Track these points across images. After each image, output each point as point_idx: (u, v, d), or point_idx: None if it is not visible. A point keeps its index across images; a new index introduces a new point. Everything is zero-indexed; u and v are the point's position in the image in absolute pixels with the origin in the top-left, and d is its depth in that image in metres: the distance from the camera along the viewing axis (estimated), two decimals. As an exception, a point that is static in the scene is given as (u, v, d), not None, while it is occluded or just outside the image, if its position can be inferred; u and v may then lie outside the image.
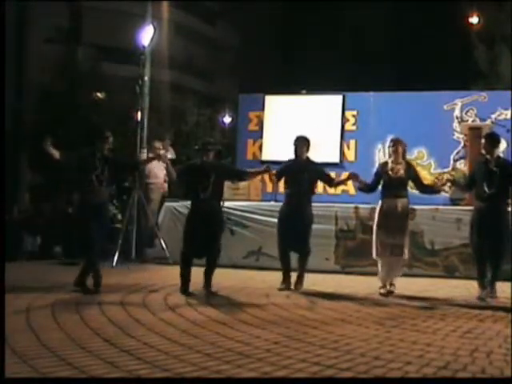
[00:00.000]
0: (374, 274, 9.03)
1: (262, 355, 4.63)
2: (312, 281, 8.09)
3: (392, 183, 7.67)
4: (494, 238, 7.31)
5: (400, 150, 7.77)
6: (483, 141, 7.64)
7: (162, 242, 10.48)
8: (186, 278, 7.58)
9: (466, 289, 7.89)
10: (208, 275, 7.60)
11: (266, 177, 9.51)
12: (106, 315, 6.09)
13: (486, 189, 7.35)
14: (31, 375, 4.11)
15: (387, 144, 8.16)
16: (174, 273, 9.37)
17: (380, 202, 7.79)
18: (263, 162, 10.87)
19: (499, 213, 7.38)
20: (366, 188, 8.03)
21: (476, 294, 7.40)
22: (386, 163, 7.90)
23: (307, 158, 8.07)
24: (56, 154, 7.54)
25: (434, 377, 4.15)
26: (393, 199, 7.66)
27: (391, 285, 7.69)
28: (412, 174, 7.81)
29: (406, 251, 7.73)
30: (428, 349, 4.89)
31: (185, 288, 7.52)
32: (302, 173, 7.91)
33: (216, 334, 5.32)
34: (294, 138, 8.12)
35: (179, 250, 10.22)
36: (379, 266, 7.78)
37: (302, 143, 8.03)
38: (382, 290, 7.65)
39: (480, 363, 4.51)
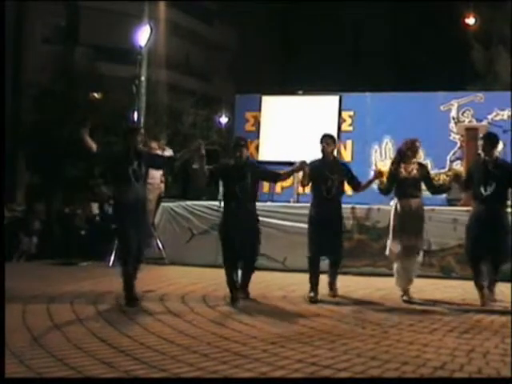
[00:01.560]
0: (371, 274, 9.06)
1: (259, 355, 4.64)
2: (308, 282, 8.08)
3: (406, 183, 7.45)
4: (492, 241, 7.15)
5: (414, 149, 7.55)
6: (481, 141, 7.54)
7: (159, 242, 10.46)
8: (232, 286, 7.21)
9: (463, 289, 7.88)
10: (245, 281, 7.28)
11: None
12: (103, 315, 6.08)
13: (483, 190, 7.21)
14: (28, 375, 4.11)
15: (400, 143, 7.83)
16: (170, 273, 9.42)
17: (395, 203, 7.55)
18: (259, 163, 10.87)
19: (497, 215, 7.22)
20: (386, 189, 7.73)
21: (476, 297, 7.27)
22: (399, 163, 7.59)
23: (334, 158, 7.78)
24: (93, 146, 7.00)
25: (432, 377, 4.15)
26: (408, 199, 7.45)
27: (407, 292, 7.37)
28: (425, 174, 7.63)
29: (421, 252, 7.57)
30: (425, 349, 4.90)
31: (234, 296, 7.11)
32: (331, 173, 7.51)
33: (213, 334, 5.33)
34: (321, 136, 7.67)
35: (177, 250, 10.35)
36: (396, 270, 7.49)
37: (329, 141, 7.63)
38: (405, 297, 7.31)
39: (476, 363, 4.52)
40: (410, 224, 7.39)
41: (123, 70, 21.41)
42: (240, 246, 7.19)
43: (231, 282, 7.24)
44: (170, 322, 5.80)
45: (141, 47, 12.06)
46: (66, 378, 4.08)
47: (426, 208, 9.22)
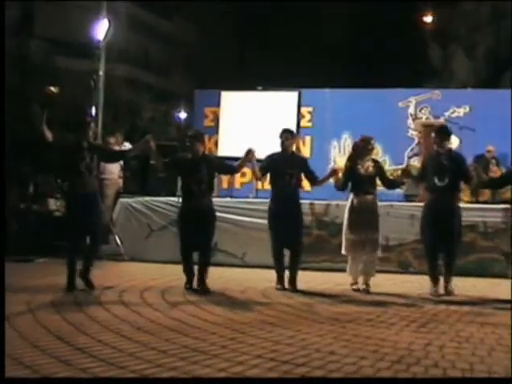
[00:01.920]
0: (330, 269, 9.11)
1: (218, 351, 4.63)
2: (267, 277, 8.11)
3: (362, 180, 7.65)
4: (445, 232, 7.39)
5: (370, 147, 7.75)
6: (433, 134, 7.75)
7: (117, 238, 10.38)
8: (188, 273, 7.55)
9: (420, 284, 7.99)
10: (202, 272, 7.50)
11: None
12: (60, 312, 6.00)
13: (436, 182, 7.44)
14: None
15: (356, 141, 8.03)
16: (128, 269, 9.34)
17: (350, 199, 7.74)
18: (218, 158, 10.85)
19: (450, 206, 7.45)
20: (341, 185, 7.86)
21: (428, 290, 7.51)
22: (355, 160, 7.77)
23: (292, 152, 7.89)
24: (49, 135, 7.04)
25: (432, 377, 4.16)
26: (363, 196, 7.65)
27: (367, 285, 7.64)
28: (379, 170, 7.82)
29: (379, 248, 7.79)
30: (382, 343, 4.94)
31: (188, 284, 7.54)
32: (288, 167, 7.65)
33: (171, 330, 5.30)
34: (280, 130, 7.79)
35: (136, 246, 10.27)
36: (349, 262, 7.75)
37: (288, 136, 7.76)
38: (355, 286, 7.66)
39: (433, 357, 4.58)
40: (364, 219, 7.60)
41: (81, 64, 21.16)
42: (196, 238, 7.42)
43: (188, 271, 7.55)
44: (128, 319, 5.75)
45: (99, 41, 11.91)
46: (68, 378, 4.00)
47: (384, 204, 9.38)
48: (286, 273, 7.79)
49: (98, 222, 7.40)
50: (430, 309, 6.54)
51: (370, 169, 7.67)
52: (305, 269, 9.48)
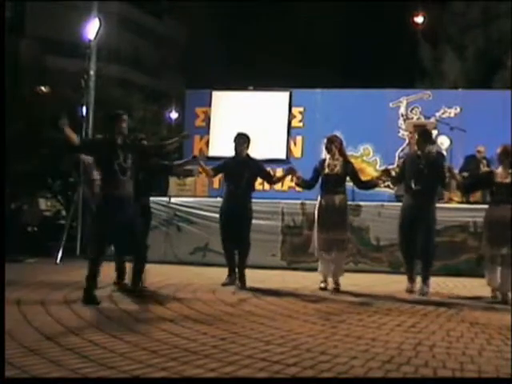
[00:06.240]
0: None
1: (209, 352, 4.62)
2: (258, 277, 8.11)
3: (329, 180, 7.73)
4: (420, 233, 7.44)
5: (336, 146, 7.79)
6: (416, 137, 7.79)
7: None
8: (119, 272, 7.75)
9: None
10: (136, 272, 7.10)
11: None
12: (50, 313, 5.98)
13: (412, 184, 7.50)
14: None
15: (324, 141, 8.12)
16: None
17: (318, 199, 7.84)
18: (210, 158, 10.85)
19: (425, 208, 7.49)
20: (304, 184, 8.00)
21: (412, 288, 7.62)
22: (324, 160, 7.90)
23: (247, 155, 8.04)
24: (74, 137, 6.63)
25: (434, 377, 4.17)
26: (330, 195, 7.72)
27: (336, 283, 7.71)
28: (349, 170, 7.84)
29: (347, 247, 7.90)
30: (373, 343, 4.95)
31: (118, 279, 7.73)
32: (240, 170, 7.86)
33: (162, 330, 5.28)
34: (234, 135, 8.08)
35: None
36: (319, 261, 7.87)
37: (241, 140, 8.00)
38: (322, 285, 7.75)
39: (423, 357, 4.58)
40: (330, 218, 7.65)
41: (71, 63, 21.10)
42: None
43: (118, 269, 7.76)
44: (118, 319, 5.73)
45: (89, 41, 11.87)
46: (68, 378, 3.98)
47: (375, 204, 9.41)
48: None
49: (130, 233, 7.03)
50: (420, 309, 6.56)
51: (337, 168, 7.74)
52: (295, 269, 9.52)
